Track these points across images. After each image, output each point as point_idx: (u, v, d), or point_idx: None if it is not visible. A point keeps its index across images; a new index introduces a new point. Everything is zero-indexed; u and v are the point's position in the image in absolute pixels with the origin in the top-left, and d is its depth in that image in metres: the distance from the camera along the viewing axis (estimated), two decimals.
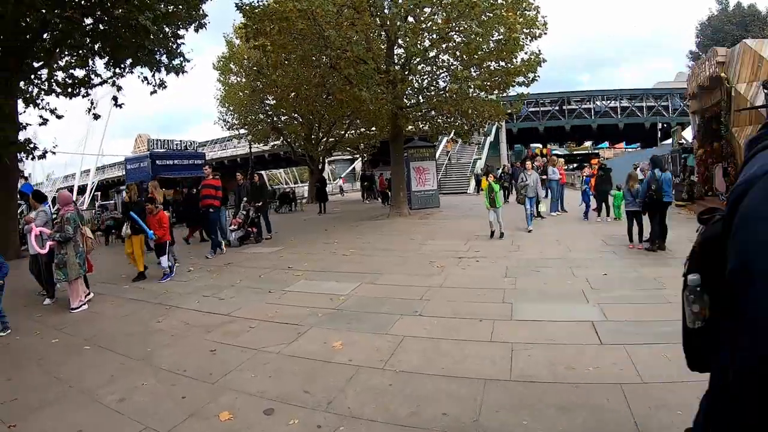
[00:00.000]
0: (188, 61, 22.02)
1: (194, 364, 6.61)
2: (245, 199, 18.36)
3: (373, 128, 36.64)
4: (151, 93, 22.43)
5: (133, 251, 12.75)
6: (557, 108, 61.21)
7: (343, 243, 16.43)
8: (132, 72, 22.01)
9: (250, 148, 45.59)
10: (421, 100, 22.96)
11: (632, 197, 13.51)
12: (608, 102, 61.27)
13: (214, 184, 15.80)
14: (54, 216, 11.87)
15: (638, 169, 15.79)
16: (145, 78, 21.83)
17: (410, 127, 26.73)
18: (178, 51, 21.41)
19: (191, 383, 6.01)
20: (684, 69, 60.52)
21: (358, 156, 62.72)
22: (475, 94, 22.23)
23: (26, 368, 6.95)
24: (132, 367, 6.67)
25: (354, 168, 78.87)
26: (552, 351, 6.23)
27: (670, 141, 38.11)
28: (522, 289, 9.40)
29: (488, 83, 22.05)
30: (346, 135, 41.20)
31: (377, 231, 19.30)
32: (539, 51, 21.64)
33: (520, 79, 22.12)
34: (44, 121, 22.10)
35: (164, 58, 21.28)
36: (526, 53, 21.46)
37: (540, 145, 78.42)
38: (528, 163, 18.36)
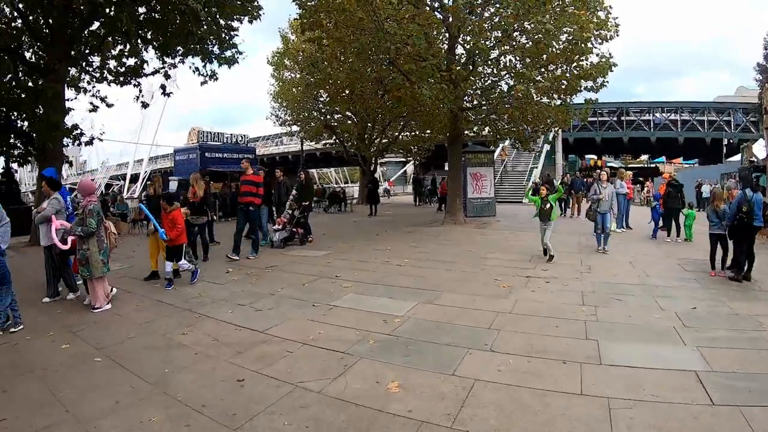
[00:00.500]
0: (240, 53, 21.22)
1: (216, 397, 5.31)
2: (292, 196, 17.08)
3: (429, 131, 35.24)
4: (202, 83, 21.63)
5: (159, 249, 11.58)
6: (615, 119, 59.13)
7: (396, 251, 14.94)
8: (183, 62, 21.42)
9: (302, 145, 44.48)
10: (484, 102, 21.37)
11: (717, 219, 11.61)
12: (668, 114, 59.15)
13: (254, 180, 14.23)
14: (73, 207, 10.78)
15: (725, 187, 13.96)
16: (197, 68, 21.17)
17: (469, 131, 25.07)
18: (231, 42, 20.56)
19: (208, 425, 4.74)
20: (747, 83, 58.15)
21: (410, 159, 61.36)
22: (541, 99, 20.69)
23: (27, 379, 5.93)
24: (142, 393, 5.46)
25: (405, 171, 77.55)
26: (657, 413, 4.82)
27: (737, 158, 36.08)
28: (605, 321, 7.83)
29: (555, 87, 20.30)
30: (400, 137, 39.67)
31: (433, 239, 17.73)
32: (610, 54, 19.89)
33: (588, 84, 20.34)
34: (94, 108, 22.00)
35: (216, 49, 20.51)
36: (596, 56, 19.74)
37: (594, 157, 76.28)
38: (603, 174, 16.08)
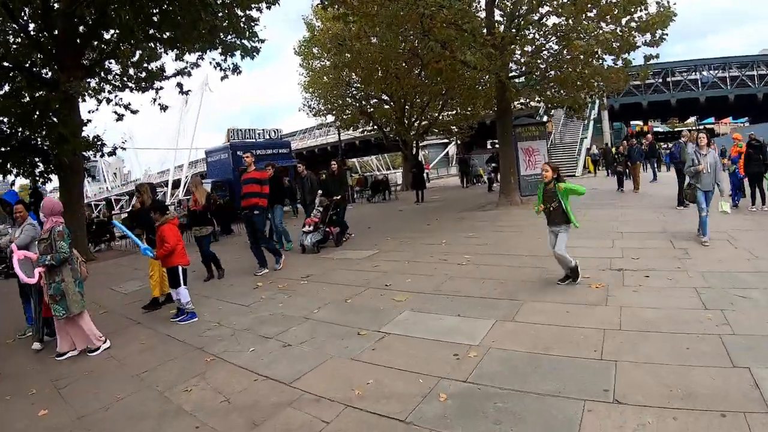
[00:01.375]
0: (262, 41, 19.26)
1: None
2: (320, 193, 14.73)
3: (470, 108, 32.93)
4: (222, 78, 19.83)
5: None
6: (660, 80, 55.39)
7: (453, 245, 12.64)
8: (203, 58, 19.73)
9: (339, 134, 42.21)
10: (535, 67, 18.93)
11: None
12: (716, 72, 55.04)
13: (257, 178, 11.68)
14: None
15: None
16: (218, 63, 19.31)
17: (518, 102, 22.51)
18: (252, 32, 18.68)
19: None
20: None
21: (451, 140, 58.74)
22: (602, 56, 18.36)
23: None
24: None
25: (447, 152, 74.91)
26: None
27: None
28: (743, 333, 5.49)
29: (609, 45, 17.72)
30: (440, 117, 37.22)
31: (491, 226, 15.41)
32: (669, 2, 17.29)
33: (646, 37, 17.70)
34: (119, 117, 20.56)
35: (236, 41, 18.67)
36: (656, 3, 17.25)
37: (640, 123, 72.69)
38: (702, 136, 11.50)
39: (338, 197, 14.52)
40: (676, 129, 77.00)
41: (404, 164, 41.70)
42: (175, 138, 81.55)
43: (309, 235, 13.68)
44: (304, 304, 8.43)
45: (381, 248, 13.14)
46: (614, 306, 6.88)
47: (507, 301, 7.46)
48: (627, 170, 22.91)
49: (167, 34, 17.96)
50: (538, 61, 18.64)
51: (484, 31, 17.01)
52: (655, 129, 75.88)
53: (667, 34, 17.45)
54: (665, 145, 46.99)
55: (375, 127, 38.26)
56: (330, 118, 40.61)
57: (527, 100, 22.67)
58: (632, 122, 71.94)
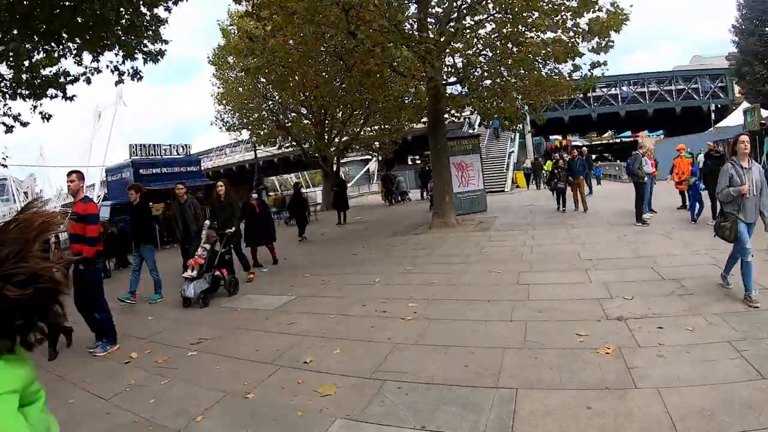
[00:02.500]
0: (166, 42, 16.29)
1: None
2: (206, 226, 11.02)
3: (395, 121, 30.62)
4: (116, 83, 16.57)
5: None
6: (581, 95, 54.86)
7: (390, 284, 10.01)
8: (98, 59, 16.45)
9: (255, 151, 38.87)
10: (473, 73, 16.67)
11: None
12: (635, 87, 55.64)
13: (80, 214, 7.45)
14: None
15: None
16: (115, 67, 16.12)
17: (452, 113, 20.21)
18: (157, 33, 15.76)
19: None
20: (699, 52, 56.69)
21: (373, 156, 56.32)
22: (544, 62, 16.56)
23: None
24: None
25: (368, 169, 72.40)
26: None
27: (729, 123, 32.10)
28: None
29: (553, 50, 15.71)
30: (362, 132, 34.75)
31: (431, 255, 12.97)
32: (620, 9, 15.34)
33: (593, 43, 15.78)
34: (9, 129, 16.84)
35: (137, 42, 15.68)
36: (610, 5, 15.26)
37: (559, 137, 72.33)
38: (742, 144, 7.12)
39: (231, 230, 11.29)
40: (593, 143, 77.30)
41: (324, 182, 39.06)
42: (85, 155, 76.16)
43: (191, 284, 9.93)
44: (185, 398, 5.52)
45: (298, 291, 10.29)
46: (648, 388, 4.65)
47: (491, 392, 4.88)
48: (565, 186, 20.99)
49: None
50: (477, 67, 16.49)
51: (416, 34, 14.77)
52: (573, 143, 75.94)
53: (612, 42, 15.55)
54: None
55: (293, 142, 35.23)
56: (246, 134, 37.28)
57: (459, 114, 20.57)
58: (551, 137, 71.60)
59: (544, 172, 34.95)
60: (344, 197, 24.94)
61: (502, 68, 16.08)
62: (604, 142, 78.04)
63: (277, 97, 31.96)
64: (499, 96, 17.65)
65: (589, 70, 16.76)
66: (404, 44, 13.31)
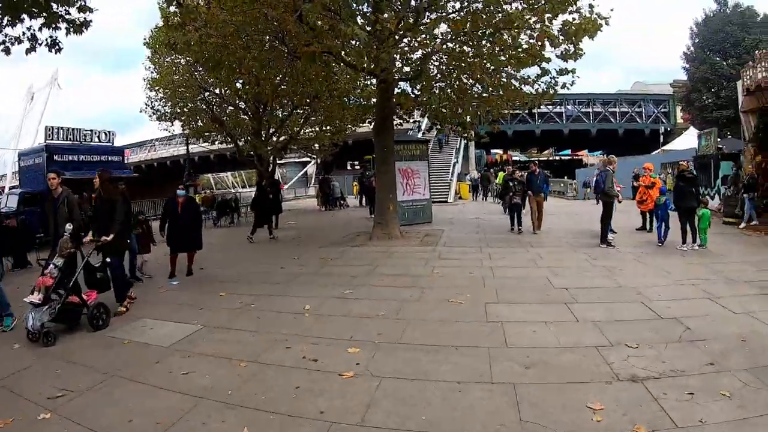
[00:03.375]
0: (91, 10, 13.87)
1: None
2: (67, 230, 8.09)
3: (338, 122, 28.64)
4: (28, 51, 14.02)
5: None
6: (526, 111, 54.42)
7: (323, 315, 7.85)
8: (14, 25, 13.87)
9: (187, 145, 35.97)
10: (428, 69, 14.76)
11: None
12: (580, 106, 55.57)
13: None
14: None
15: None
16: (33, 35, 13.60)
17: (401, 114, 18.28)
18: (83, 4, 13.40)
19: None
20: (640, 78, 57.82)
21: (312, 158, 54.00)
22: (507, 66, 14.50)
23: None
24: None
25: (306, 172, 69.99)
26: None
27: (686, 146, 31.48)
28: None
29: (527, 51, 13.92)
30: (302, 132, 32.45)
31: (374, 275, 10.90)
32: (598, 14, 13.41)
33: (559, 49, 13.83)
34: None
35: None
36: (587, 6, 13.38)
37: (500, 151, 71.58)
38: None
39: (107, 238, 8.25)
40: (532, 158, 76.79)
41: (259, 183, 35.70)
42: (13, 139, 70.92)
43: (32, 313, 7.00)
44: None
45: (207, 318, 7.96)
46: None
47: None
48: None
49: None
50: (434, 65, 14.71)
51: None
52: (514, 158, 75.38)
53: (582, 50, 13.84)
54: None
55: (227, 136, 32.49)
56: (178, 127, 33.84)
57: (408, 118, 18.73)
58: (493, 150, 70.76)
59: (495, 185, 34.34)
60: (277, 200, 22.56)
61: (460, 70, 14.26)
62: (543, 158, 77.57)
63: (213, 88, 29.36)
64: (454, 100, 15.94)
65: (552, 78, 14.95)
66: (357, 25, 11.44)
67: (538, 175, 17.07)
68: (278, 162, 60.44)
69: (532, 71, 15.13)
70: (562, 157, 74.58)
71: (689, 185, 13.19)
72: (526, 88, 15.33)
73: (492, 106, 16.18)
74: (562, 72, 14.60)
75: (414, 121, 19.74)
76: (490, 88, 15.33)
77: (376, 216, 16.59)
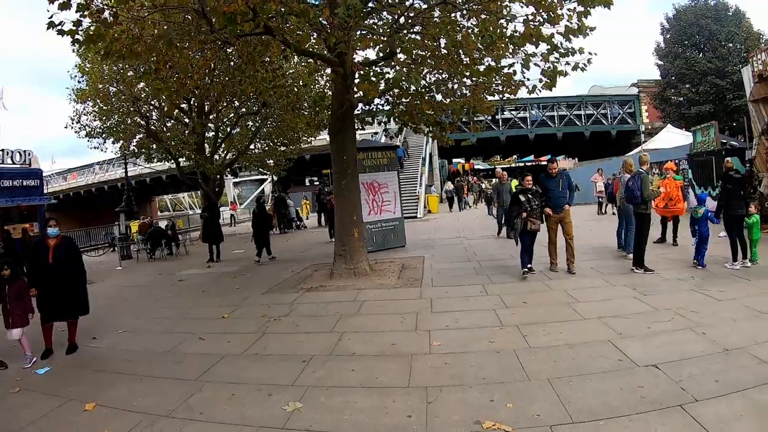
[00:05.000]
0: None
1: None
2: None
3: (291, 132, 24.71)
4: None
5: None
6: (490, 117, 51.21)
7: None
8: None
9: (126, 165, 30.97)
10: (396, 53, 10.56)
11: None
12: (544, 111, 52.28)
13: None
14: None
15: None
16: None
17: (362, 110, 14.09)
18: None
19: None
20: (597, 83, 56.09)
21: (267, 176, 49.46)
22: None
23: None
24: None
25: (263, 190, 65.18)
26: None
27: (668, 145, 28.24)
28: None
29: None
30: (252, 146, 28.12)
31: (335, 360, 6.49)
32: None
33: (560, 26, 9.94)
34: None
35: None
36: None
37: (462, 160, 68.27)
38: None
39: None
40: (495, 166, 73.65)
41: (203, 205, 30.52)
42: None
43: None
44: None
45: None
46: None
47: None
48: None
49: None
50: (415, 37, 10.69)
51: None
52: (476, 166, 72.14)
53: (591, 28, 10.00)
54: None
55: (165, 153, 27.68)
56: (111, 145, 28.54)
57: (372, 119, 14.57)
58: (454, 160, 67.47)
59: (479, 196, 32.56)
60: (216, 226, 18.15)
61: (451, 43, 10.11)
62: (506, 166, 74.31)
63: (148, 99, 24.74)
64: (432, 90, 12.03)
65: (557, 58, 10.89)
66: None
67: (559, 176, 10.91)
68: (234, 180, 55.88)
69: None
70: (526, 164, 71.67)
71: (737, 187, 10.23)
72: (528, 73, 11.25)
73: (479, 98, 12.22)
74: (567, 52, 10.59)
75: (383, 124, 15.42)
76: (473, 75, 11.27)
77: (337, 244, 12.24)
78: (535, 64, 10.59)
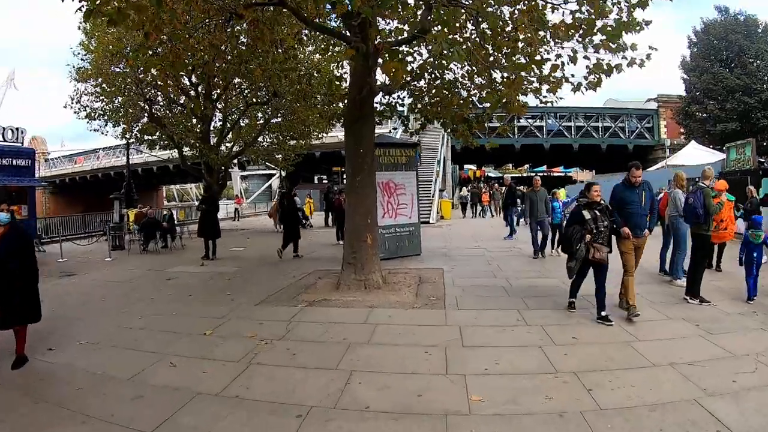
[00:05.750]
0: None
1: None
2: None
3: (302, 126, 23.13)
4: None
5: None
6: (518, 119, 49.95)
7: None
8: None
9: (128, 152, 29.41)
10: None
11: None
12: (561, 121, 50.98)
13: None
14: None
15: None
16: None
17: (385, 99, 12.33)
18: None
19: None
20: (615, 96, 55.27)
21: (276, 171, 47.75)
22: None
23: None
24: None
25: (270, 185, 63.43)
26: None
27: (693, 162, 26.59)
28: None
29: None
30: (260, 138, 26.44)
31: (351, 396, 4.93)
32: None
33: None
34: None
35: None
36: None
37: (473, 167, 66.73)
38: None
39: None
40: (506, 174, 71.89)
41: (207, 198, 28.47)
42: None
43: None
44: None
45: None
46: None
47: None
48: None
49: None
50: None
51: None
52: (488, 174, 70.49)
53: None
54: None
55: (166, 139, 25.87)
56: (112, 128, 26.66)
57: (391, 113, 12.70)
58: (466, 166, 65.96)
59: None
60: (213, 220, 16.44)
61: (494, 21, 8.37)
62: (516, 175, 72.51)
63: (149, 79, 23.02)
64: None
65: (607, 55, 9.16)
66: None
67: (642, 187, 8.25)
68: (242, 174, 54.12)
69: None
70: (539, 173, 69.87)
71: None
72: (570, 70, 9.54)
73: (516, 90, 10.38)
74: (620, 48, 8.83)
75: (403, 119, 13.56)
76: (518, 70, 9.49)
77: (346, 250, 10.51)
78: (585, 57, 8.94)
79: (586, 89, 9.42)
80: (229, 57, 12.77)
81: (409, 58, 10.49)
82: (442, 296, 9.27)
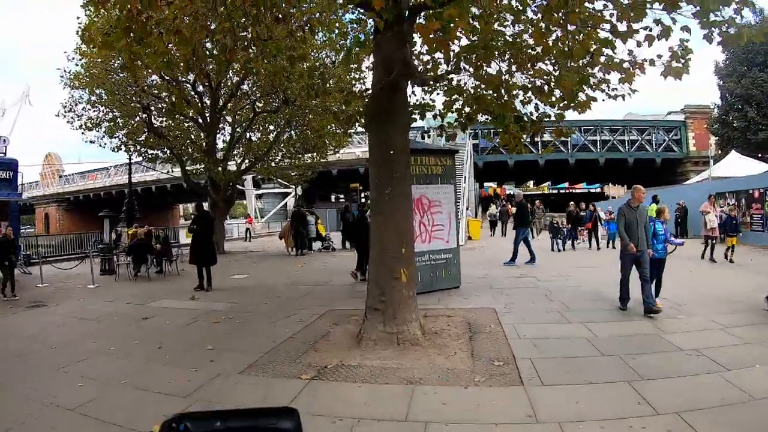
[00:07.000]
0: None
1: None
2: None
3: (317, 140, 21.12)
4: None
5: None
6: (529, 140, 46.75)
7: None
8: None
9: (130, 168, 26.83)
10: None
11: None
12: (586, 135, 48.56)
13: None
14: None
15: None
16: None
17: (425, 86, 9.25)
18: None
19: None
20: (634, 110, 54.22)
21: (292, 189, 45.06)
22: None
23: None
24: None
25: (285, 204, 60.75)
26: None
27: (758, 170, 24.06)
28: None
29: None
30: (275, 155, 23.75)
31: None
32: None
33: None
34: None
35: None
36: None
37: (493, 184, 63.85)
38: None
39: None
40: (527, 192, 68.72)
41: (216, 215, 25.21)
42: None
43: None
44: None
45: None
46: None
47: None
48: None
49: None
50: None
51: None
52: (508, 191, 67.61)
53: None
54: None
55: (168, 153, 23.25)
56: (108, 140, 23.96)
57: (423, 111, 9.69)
58: (486, 184, 63.12)
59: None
60: (208, 244, 13.45)
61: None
62: (538, 192, 69.32)
63: (152, 89, 20.55)
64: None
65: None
66: None
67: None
68: (256, 193, 51.77)
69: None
70: (560, 191, 66.93)
71: None
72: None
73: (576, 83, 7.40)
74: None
75: (441, 116, 10.50)
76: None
77: (371, 291, 7.40)
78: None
79: (667, 77, 6.53)
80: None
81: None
82: (511, 359, 6.20)
